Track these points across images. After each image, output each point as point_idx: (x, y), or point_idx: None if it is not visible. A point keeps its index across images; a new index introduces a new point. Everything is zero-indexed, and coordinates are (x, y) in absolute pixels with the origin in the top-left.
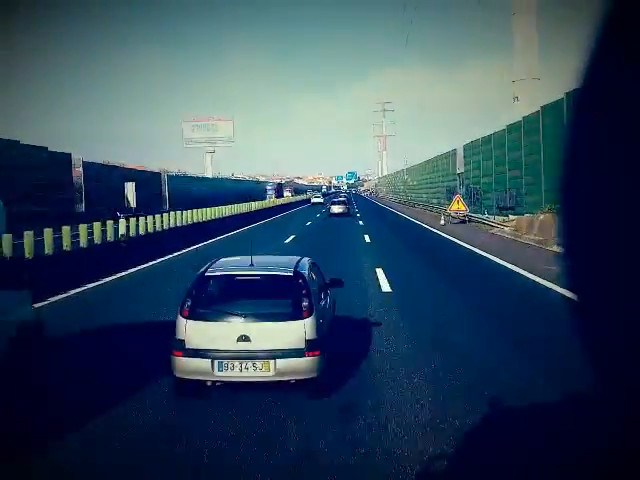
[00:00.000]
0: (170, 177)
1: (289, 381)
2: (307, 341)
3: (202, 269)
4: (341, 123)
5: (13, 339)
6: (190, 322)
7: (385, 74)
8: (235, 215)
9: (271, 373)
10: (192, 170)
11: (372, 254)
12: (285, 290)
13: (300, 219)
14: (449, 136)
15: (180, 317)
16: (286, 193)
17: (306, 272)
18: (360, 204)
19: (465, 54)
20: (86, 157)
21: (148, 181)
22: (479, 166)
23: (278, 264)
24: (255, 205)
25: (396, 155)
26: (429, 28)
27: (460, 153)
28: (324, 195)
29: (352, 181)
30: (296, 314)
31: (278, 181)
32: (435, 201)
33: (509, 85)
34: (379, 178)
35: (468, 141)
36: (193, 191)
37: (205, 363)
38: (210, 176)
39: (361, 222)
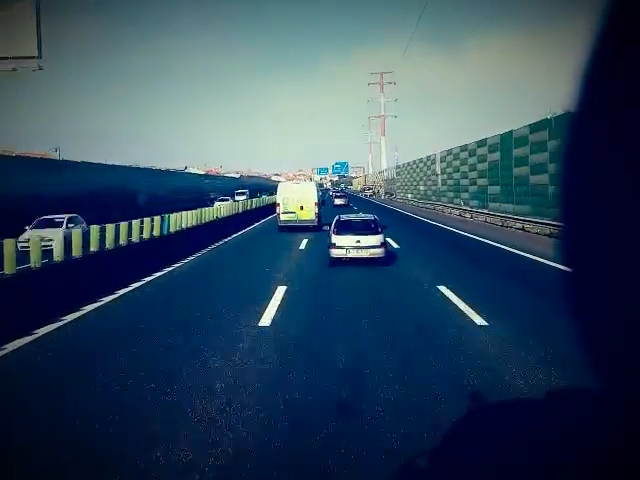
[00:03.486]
0: None
1: (373, 258)
2: (380, 242)
3: (337, 217)
4: (324, 112)
5: None
6: (337, 235)
7: (379, 52)
8: None
9: (368, 254)
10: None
11: None
12: (371, 223)
13: None
14: (452, 129)
15: (332, 234)
16: None
17: (377, 217)
18: None
19: (471, 31)
20: None
21: None
22: None
23: (364, 215)
24: None
25: (398, 146)
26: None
27: None
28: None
29: (337, 177)
30: (376, 232)
31: None
32: None
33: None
34: (397, 168)
35: None
36: None
37: (343, 251)
38: None
39: None
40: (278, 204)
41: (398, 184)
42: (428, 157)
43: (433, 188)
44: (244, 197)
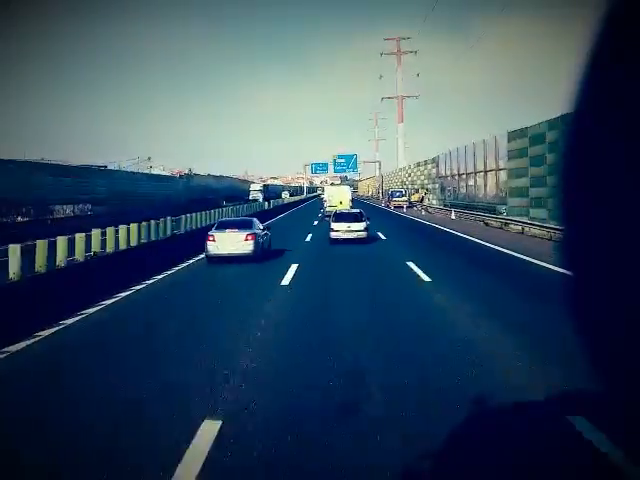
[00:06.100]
0: None
1: (360, 238)
2: (364, 227)
3: (335, 210)
4: (324, 108)
5: None
6: (335, 223)
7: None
8: None
9: (356, 236)
10: None
11: None
12: (358, 215)
13: None
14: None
15: (331, 222)
16: None
17: (362, 210)
18: None
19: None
20: None
21: None
22: None
23: (354, 210)
24: None
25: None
26: None
27: None
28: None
29: (340, 178)
30: (361, 220)
31: None
32: None
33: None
34: (513, 134)
35: None
36: None
37: (339, 233)
38: None
39: None
40: (325, 200)
41: (520, 182)
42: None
43: None
44: None
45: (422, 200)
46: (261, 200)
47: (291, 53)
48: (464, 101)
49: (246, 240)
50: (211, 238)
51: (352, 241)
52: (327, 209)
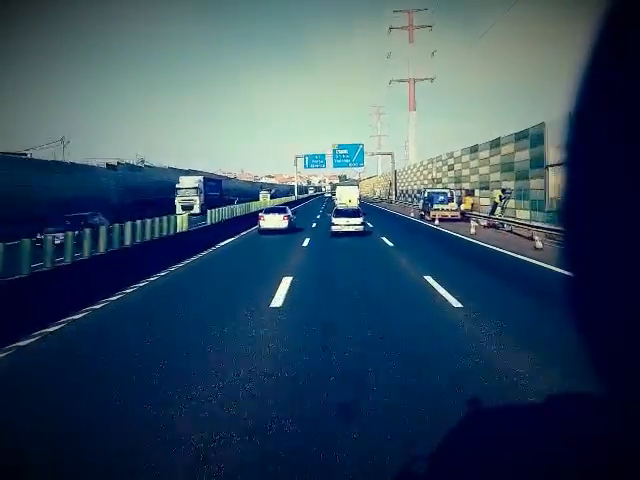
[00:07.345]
0: None
1: (357, 231)
2: (361, 222)
3: (335, 207)
4: (322, 104)
5: None
6: (335, 218)
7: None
8: None
9: (354, 229)
10: None
11: None
12: (357, 211)
13: None
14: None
15: (333, 217)
16: None
17: (360, 208)
18: None
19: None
20: None
21: None
22: None
23: (353, 207)
24: None
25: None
26: None
27: None
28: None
29: (337, 175)
30: (359, 216)
31: None
32: None
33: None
34: None
35: None
36: None
37: (339, 227)
38: None
39: None
40: (336, 198)
41: None
42: None
43: None
44: None
45: (493, 210)
46: (197, 208)
47: (289, 46)
48: (479, 94)
49: (283, 219)
50: (262, 218)
51: None
52: (338, 206)
